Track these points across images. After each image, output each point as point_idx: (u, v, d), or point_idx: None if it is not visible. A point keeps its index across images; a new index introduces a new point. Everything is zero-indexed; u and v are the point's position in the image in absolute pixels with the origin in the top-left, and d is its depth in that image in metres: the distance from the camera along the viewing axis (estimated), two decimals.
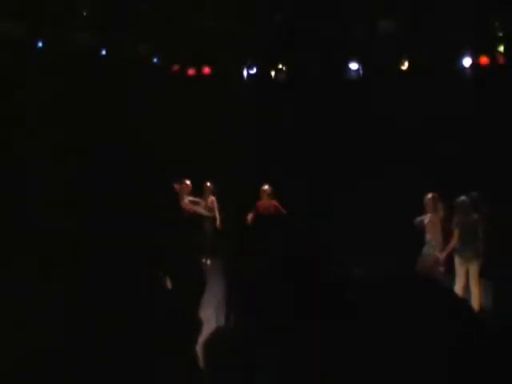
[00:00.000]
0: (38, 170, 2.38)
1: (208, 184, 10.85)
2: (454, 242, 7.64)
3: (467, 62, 9.90)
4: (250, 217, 10.22)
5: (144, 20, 9.86)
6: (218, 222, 10.96)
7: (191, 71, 11.52)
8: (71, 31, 9.48)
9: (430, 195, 8.03)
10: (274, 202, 10.18)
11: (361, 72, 10.31)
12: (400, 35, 9.55)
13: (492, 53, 9.48)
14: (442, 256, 7.77)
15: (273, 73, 11.10)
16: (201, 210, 10.52)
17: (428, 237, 8.02)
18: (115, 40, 10.08)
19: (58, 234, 2.26)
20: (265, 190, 10.15)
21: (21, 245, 2.21)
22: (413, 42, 9.62)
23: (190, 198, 10.55)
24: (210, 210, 10.87)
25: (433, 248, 7.94)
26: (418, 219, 8.18)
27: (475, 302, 7.45)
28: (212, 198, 10.93)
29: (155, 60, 11.21)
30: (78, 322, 2.07)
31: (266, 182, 10.21)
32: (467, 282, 7.60)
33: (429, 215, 8.05)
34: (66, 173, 2.38)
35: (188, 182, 10.48)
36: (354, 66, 10.32)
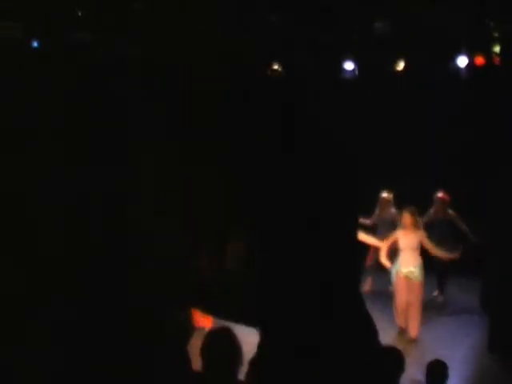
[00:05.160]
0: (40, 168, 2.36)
1: None
2: None
3: (462, 62, 9.90)
4: None
5: (137, 20, 9.80)
6: None
7: None
8: (65, 31, 9.42)
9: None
10: None
11: (356, 72, 10.30)
12: (395, 35, 9.52)
13: (488, 53, 9.47)
14: None
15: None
16: None
17: None
18: (109, 40, 10.01)
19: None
20: None
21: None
22: (408, 42, 9.59)
23: None
24: None
25: None
26: None
27: None
28: None
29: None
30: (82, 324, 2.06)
31: None
32: None
33: None
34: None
35: None
36: (349, 65, 10.31)
